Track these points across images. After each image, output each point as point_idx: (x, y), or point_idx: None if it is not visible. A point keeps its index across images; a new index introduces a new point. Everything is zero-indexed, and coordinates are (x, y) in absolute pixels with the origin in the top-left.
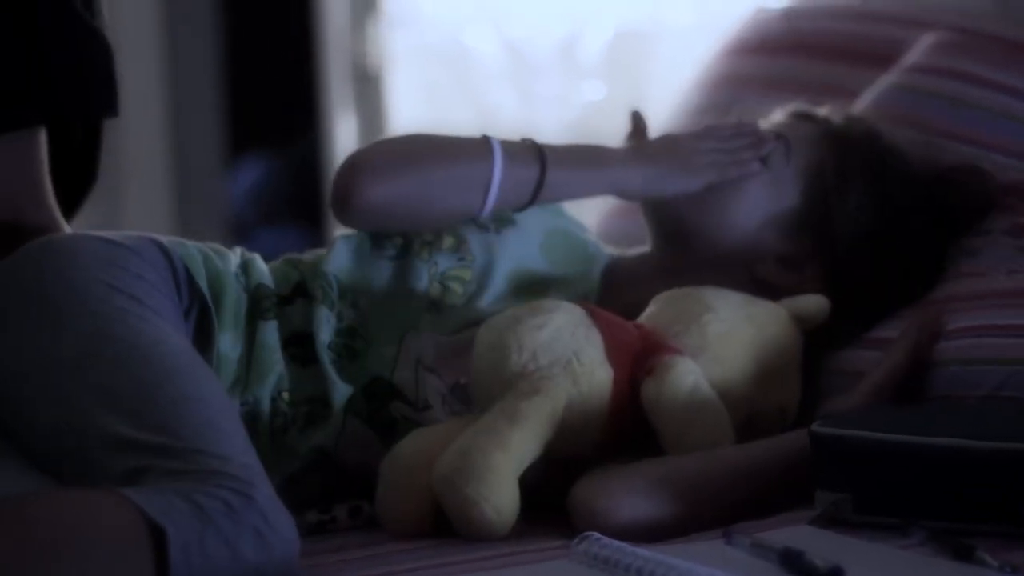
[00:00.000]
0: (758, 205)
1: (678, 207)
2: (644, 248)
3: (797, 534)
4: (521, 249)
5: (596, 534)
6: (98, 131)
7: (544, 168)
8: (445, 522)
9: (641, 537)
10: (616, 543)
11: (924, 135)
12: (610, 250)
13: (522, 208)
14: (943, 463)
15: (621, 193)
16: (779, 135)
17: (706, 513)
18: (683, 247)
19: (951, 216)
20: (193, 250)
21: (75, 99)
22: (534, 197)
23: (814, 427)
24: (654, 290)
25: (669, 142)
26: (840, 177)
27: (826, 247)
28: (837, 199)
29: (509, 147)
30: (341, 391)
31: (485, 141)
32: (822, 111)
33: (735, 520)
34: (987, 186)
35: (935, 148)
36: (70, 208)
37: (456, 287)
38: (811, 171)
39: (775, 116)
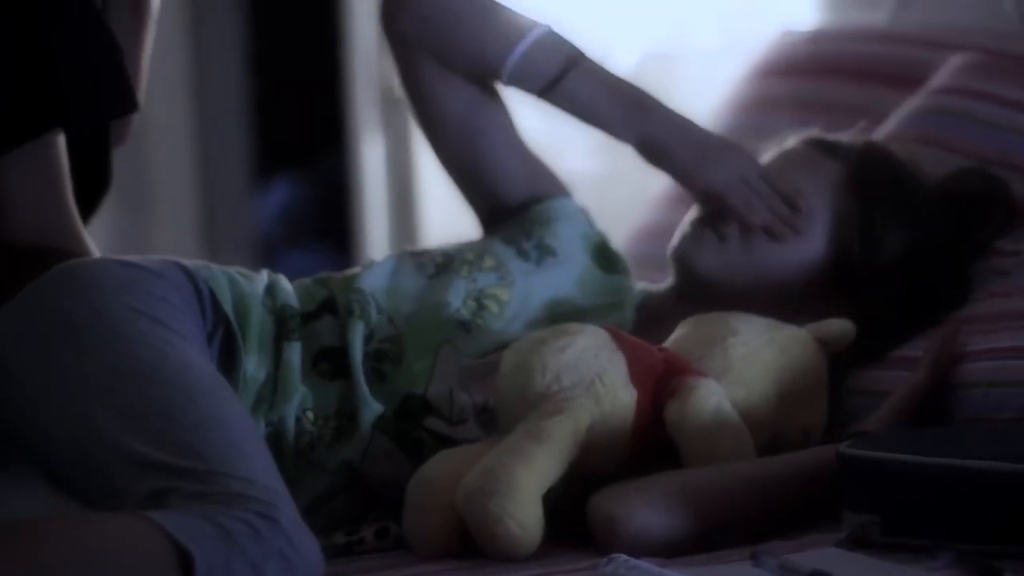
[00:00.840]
0: (787, 265)
1: (710, 269)
2: (670, 282)
3: (825, 556)
4: (558, 280)
5: (624, 555)
6: (107, 137)
7: (577, 61)
8: (472, 543)
9: (659, 548)
10: (644, 564)
11: (952, 157)
12: (642, 285)
13: (542, 91)
14: (972, 485)
15: (641, 142)
16: (796, 205)
17: (724, 525)
18: (710, 301)
19: (972, 230)
20: (218, 273)
21: (89, 99)
22: (557, 81)
23: (842, 448)
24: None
25: (717, 139)
26: (866, 223)
27: (856, 288)
28: (866, 245)
29: (552, 32)
30: (371, 408)
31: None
32: (840, 139)
33: (754, 532)
34: (1000, 191)
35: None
36: (86, 215)
37: (492, 306)
38: (837, 221)
39: (788, 143)
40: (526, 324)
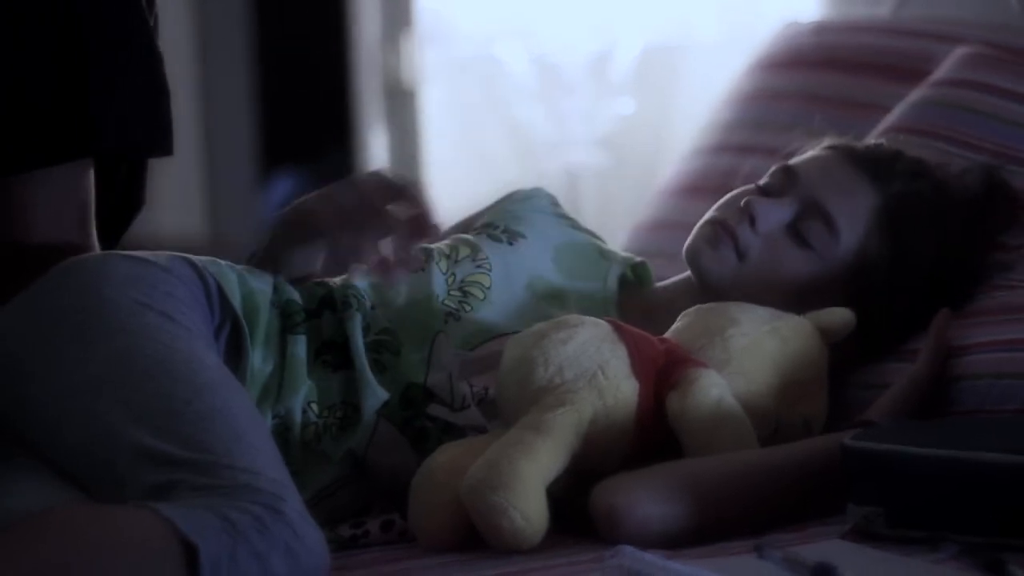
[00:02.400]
0: (800, 280)
1: (723, 280)
2: (683, 276)
3: (829, 548)
4: (535, 259)
5: (630, 547)
6: (143, 162)
7: None
8: (477, 536)
9: (661, 537)
10: (649, 557)
11: (954, 149)
12: (624, 256)
13: None
14: (976, 477)
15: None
16: (824, 211)
17: (727, 514)
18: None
19: (981, 230)
20: (226, 269)
21: (126, 137)
22: None
23: (846, 441)
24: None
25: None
26: (898, 251)
27: (871, 297)
28: (894, 269)
29: None
30: (376, 395)
31: None
32: (875, 153)
33: (758, 522)
34: (1003, 186)
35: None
36: (115, 234)
37: (477, 292)
38: (864, 246)
39: (819, 149)
40: (515, 305)
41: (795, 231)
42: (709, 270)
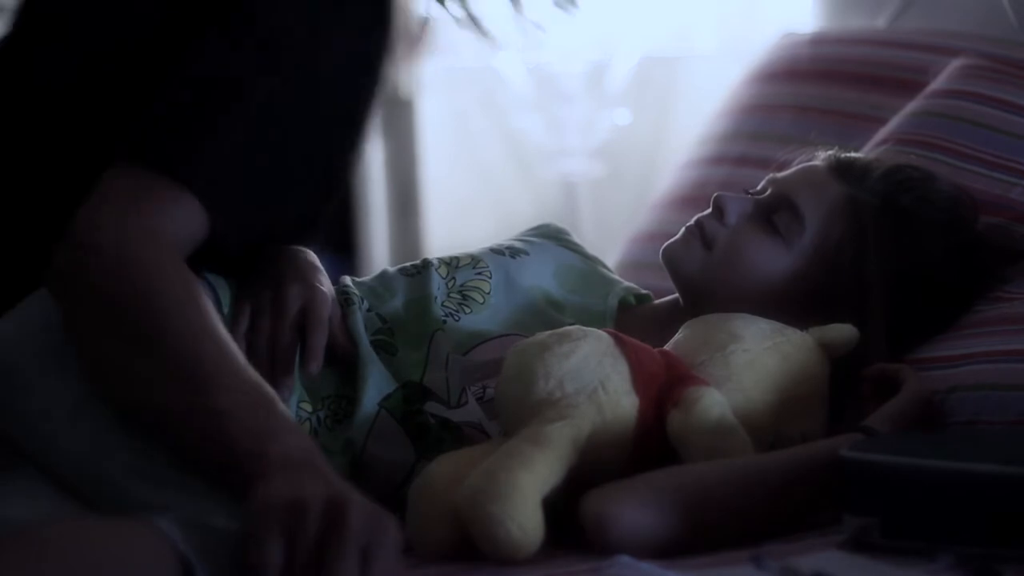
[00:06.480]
0: (771, 273)
1: (691, 274)
2: (672, 297)
3: (826, 559)
4: (536, 273)
5: (626, 557)
6: None
7: None
8: (474, 546)
9: (650, 545)
10: (646, 567)
11: (950, 159)
12: (628, 284)
13: None
14: (971, 488)
15: None
16: (791, 202)
17: (719, 521)
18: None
19: (982, 273)
20: (222, 280)
21: None
22: None
23: (843, 451)
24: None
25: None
26: (855, 255)
27: (842, 306)
28: (854, 272)
29: None
30: (378, 384)
31: None
32: (858, 159)
33: (752, 529)
34: (1017, 244)
35: (964, 176)
36: None
37: (476, 296)
38: (822, 244)
39: (815, 158)
40: (512, 313)
41: (765, 221)
42: (676, 261)
